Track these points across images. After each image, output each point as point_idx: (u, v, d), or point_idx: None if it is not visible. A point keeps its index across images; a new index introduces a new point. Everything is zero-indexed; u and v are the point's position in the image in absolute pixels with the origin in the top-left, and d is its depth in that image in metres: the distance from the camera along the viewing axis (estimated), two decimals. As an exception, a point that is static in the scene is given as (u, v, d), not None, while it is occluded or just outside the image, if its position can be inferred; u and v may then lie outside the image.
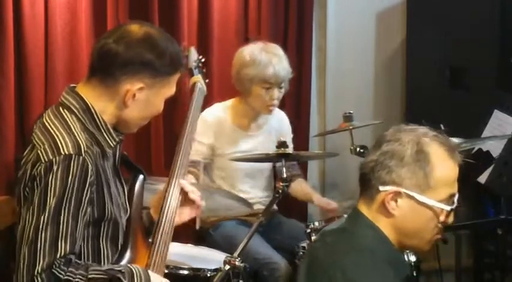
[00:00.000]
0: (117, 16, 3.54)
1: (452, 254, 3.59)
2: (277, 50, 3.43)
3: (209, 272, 2.83)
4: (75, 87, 2.10)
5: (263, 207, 3.21)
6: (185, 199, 2.31)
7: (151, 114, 2.15)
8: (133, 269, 2.00)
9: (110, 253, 2.08)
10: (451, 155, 1.85)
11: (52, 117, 2.04)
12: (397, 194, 1.82)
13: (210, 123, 3.46)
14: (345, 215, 2.94)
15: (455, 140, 3.01)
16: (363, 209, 1.89)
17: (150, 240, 2.20)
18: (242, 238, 2.88)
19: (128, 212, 2.16)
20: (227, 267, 2.76)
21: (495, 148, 3.20)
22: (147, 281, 1.99)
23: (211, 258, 3.04)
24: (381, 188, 1.83)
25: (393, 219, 1.84)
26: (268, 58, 3.36)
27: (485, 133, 3.37)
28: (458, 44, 3.82)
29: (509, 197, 3.30)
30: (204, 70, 2.80)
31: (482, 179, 3.22)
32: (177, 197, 2.27)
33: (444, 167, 1.83)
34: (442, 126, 3.10)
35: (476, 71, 3.77)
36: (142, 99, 2.06)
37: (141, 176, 2.24)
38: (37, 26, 3.42)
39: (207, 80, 2.75)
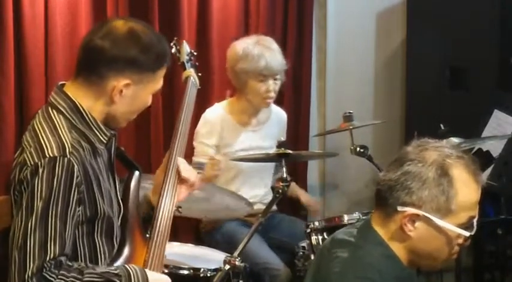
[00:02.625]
0: (117, 16, 3.54)
1: (452, 254, 3.58)
2: (270, 43, 3.45)
3: (209, 272, 2.83)
4: (63, 85, 2.09)
5: (263, 206, 3.21)
6: (179, 178, 2.30)
7: (139, 109, 2.15)
8: (130, 270, 1.99)
9: (106, 249, 2.08)
10: (475, 178, 1.80)
11: (41, 118, 2.04)
12: (415, 216, 1.77)
13: (213, 124, 3.47)
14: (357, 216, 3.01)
15: (455, 140, 3.01)
16: (376, 224, 1.85)
17: (147, 235, 2.19)
18: (243, 238, 2.88)
19: (121, 208, 2.16)
20: (227, 267, 2.76)
21: (495, 148, 3.19)
22: (144, 279, 1.99)
23: (211, 258, 3.04)
24: (399, 208, 1.77)
25: (409, 240, 1.80)
26: (260, 51, 3.38)
27: (485, 133, 3.36)
28: (458, 44, 3.82)
29: (509, 197, 3.30)
30: (197, 64, 2.78)
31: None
32: (172, 195, 2.26)
33: (468, 191, 1.78)
34: (442, 126, 3.11)
35: (476, 71, 3.77)
36: (130, 95, 2.06)
37: (136, 173, 2.24)
38: (37, 26, 3.42)
39: (199, 74, 2.73)
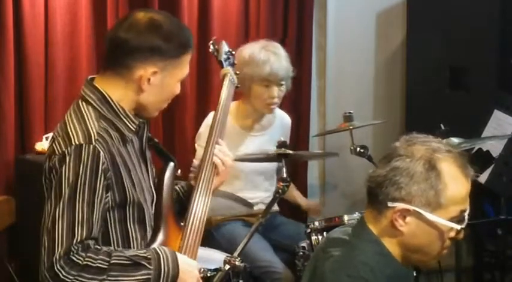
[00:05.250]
0: (117, 16, 3.54)
1: (452, 254, 3.59)
2: (277, 48, 3.43)
3: (209, 272, 2.82)
4: (93, 78, 2.17)
5: (264, 207, 3.20)
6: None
7: (168, 97, 2.22)
8: (160, 252, 2.05)
9: (138, 235, 2.13)
10: (464, 171, 1.80)
11: (71, 111, 2.12)
12: (406, 211, 1.77)
13: None
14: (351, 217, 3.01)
15: (455, 140, 3.01)
16: (369, 221, 1.85)
17: (182, 223, 2.27)
18: (243, 239, 2.88)
19: (154, 195, 2.23)
20: (227, 267, 2.75)
21: (495, 148, 3.20)
22: (174, 262, 2.05)
23: (211, 258, 3.03)
24: (390, 204, 1.78)
25: (401, 235, 1.80)
26: (267, 56, 3.36)
27: (485, 133, 3.36)
28: (458, 44, 3.82)
29: (509, 197, 3.30)
30: (235, 62, 2.92)
31: (482, 179, 3.22)
32: (209, 182, 2.39)
33: (456, 185, 1.78)
34: (442, 126, 3.11)
35: (476, 71, 3.77)
36: (157, 83, 2.13)
37: (171, 164, 2.33)
38: (37, 26, 3.42)
39: (237, 72, 2.86)
